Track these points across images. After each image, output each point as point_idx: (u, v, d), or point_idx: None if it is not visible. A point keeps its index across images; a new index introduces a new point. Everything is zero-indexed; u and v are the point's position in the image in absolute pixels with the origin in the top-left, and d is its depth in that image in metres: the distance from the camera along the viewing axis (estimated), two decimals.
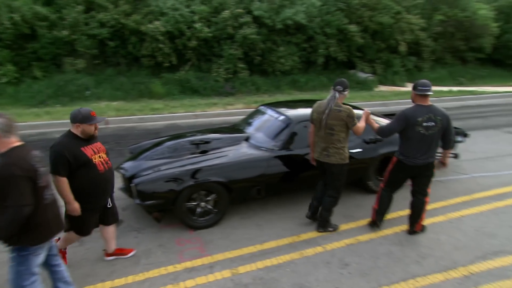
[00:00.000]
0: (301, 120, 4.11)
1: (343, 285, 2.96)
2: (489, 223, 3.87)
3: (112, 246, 3.23)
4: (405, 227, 3.75)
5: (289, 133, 4.02)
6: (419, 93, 3.28)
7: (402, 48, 13.74)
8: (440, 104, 10.45)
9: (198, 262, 3.25)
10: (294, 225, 3.85)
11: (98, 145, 2.81)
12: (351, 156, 4.14)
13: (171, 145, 4.18)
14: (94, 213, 2.88)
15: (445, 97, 11.21)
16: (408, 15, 14.06)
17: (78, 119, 2.64)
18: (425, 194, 3.52)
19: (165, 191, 3.50)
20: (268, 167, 3.85)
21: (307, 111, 4.35)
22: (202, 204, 3.73)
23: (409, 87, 13.72)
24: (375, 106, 10.13)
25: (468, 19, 14.96)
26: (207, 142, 4.22)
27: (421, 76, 14.90)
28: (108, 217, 3.04)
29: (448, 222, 3.91)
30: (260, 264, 3.20)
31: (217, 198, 3.74)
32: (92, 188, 2.72)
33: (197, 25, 11.51)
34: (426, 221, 3.81)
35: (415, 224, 3.63)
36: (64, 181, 2.58)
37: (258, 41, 11.91)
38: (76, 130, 2.67)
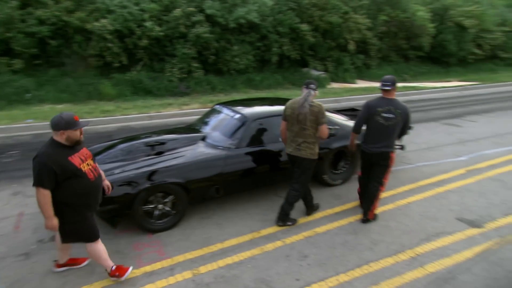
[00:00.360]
0: (257, 117, 4.18)
1: (303, 275, 3.07)
2: (431, 208, 4.22)
3: (66, 256, 3.06)
4: (358, 217, 3.98)
5: (245, 131, 4.06)
6: (380, 87, 3.66)
7: (351, 46, 14.41)
8: None
9: (157, 265, 3.18)
10: (254, 221, 3.91)
11: (84, 151, 2.67)
12: None
13: (124, 147, 4.04)
14: (91, 216, 2.73)
15: (401, 91, 11.95)
16: (355, 15, 14.76)
17: (61, 125, 2.47)
18: (380, 182, 3.81)
19: (120, 195, 3.38)
20: (225, 166, 3.86)
21: (263, 109, 4.50)
22: (160, 206, 3.65)
23: (359, 84, 14.46)
24: (329, 103, 10.54)
25: (408, 19, 16.06)
26: (162, 143, 4.15)
27: (369, 73, 15.75)
28: None
29: (397, 209, 4.19)
30: (221, 263, 3.22)
31: (175, 200, 3.68)
32: (83, 198, 2.60)
33: (148, 24, 11.16)
34: (378, 210, 4.06)
35: (368, 212, 3.89)
36: (48, 195, 2.42)
37: (212, 40, 11.83)
38: (60, 138, 2.51)
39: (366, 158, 3.85)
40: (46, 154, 2.43)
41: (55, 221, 2.52)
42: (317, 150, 3.63)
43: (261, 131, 4.15)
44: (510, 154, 6.03)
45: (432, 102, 11.22)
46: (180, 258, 3.28)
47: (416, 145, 6.56)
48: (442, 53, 17.49)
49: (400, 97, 11.63)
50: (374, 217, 3.95)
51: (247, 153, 4.01)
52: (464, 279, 3.03)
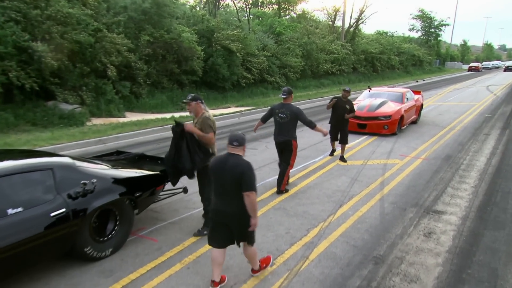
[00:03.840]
0: None
1: None
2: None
3: (219, 274, 3.94)
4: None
5: None
6: (281, 95, 6.70)
7: (112, 72, 14.51)
8: (162, 134, 11.82)
9: None
10: None
11: None
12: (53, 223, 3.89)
13: None
14: None
15: (168, 124, 12.67)
16: (111, 34, 15.08)
17: (245, 141, 3.85)
18: (288, 163, 6.75)
19: None
20: None
21: None
22: None
23: (129, 117, 14.63)
24: (90, 145, 10.08)
25: (174, 41, 17.81)
26: None
27: (140, 104, 16.28)
28: None
29: (186, 268, 4.37)
30: None
31: None
32: None
33: None
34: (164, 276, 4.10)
35: (280, 185, 6.77)
36: None
37: None
38: (243, 152, 3.84)
39: (277, 146, 6.87)
40: (251, 165, 3.76)
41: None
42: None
43: None
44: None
45: None
46: None
47: None
48: (216, 78, 20.29)
49: None
50: (285, 190, 6.88)
51: None
52: None
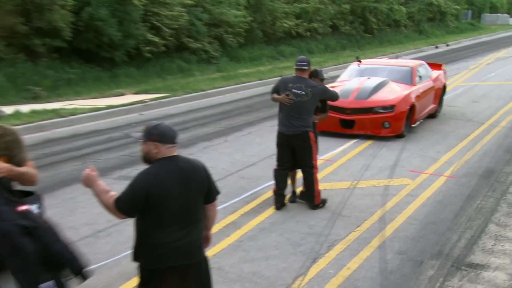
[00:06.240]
0: None
1: None
2: None
3: None
4: None
5: None
6: (296, 67, 7.84)
7: None
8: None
9: None
10: None
11: None
12: None
13: None
14: None
15: (21, 124, 12.15)
16: None
17: None
18: (311, 166, 7.70)
19: None
20: None
21: None
22: None
23: None
24: None
25: None
26: None
27: None
28: None
29: None
30: None
31: None
32: None
33: None
34: None
35: (313, 198, 7.73)
36: None
37: None
38: None
39: (282, 141, 7.73)
40: None
41: None
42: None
43: None
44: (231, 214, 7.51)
45: (92, 138, 12.39)
46: None
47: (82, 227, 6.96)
48: (98, 43, 19.95)
49: (34, 133, 12.03)
50: (322, 201, 7.84)
51: None
52: None
